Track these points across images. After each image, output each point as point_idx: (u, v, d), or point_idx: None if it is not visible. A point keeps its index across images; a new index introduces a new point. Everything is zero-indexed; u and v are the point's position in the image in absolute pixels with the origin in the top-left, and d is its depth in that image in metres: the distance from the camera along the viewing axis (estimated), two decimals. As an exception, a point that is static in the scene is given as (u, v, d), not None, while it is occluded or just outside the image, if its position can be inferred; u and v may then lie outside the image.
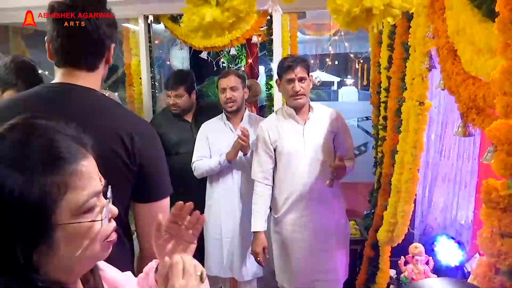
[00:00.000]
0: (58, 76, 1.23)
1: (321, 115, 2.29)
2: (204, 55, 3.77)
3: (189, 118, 2.89)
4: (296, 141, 2.26)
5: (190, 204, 0.94)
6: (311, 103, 2.30)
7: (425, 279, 0.60)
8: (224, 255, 2.57)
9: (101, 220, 0.69)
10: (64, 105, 1.18)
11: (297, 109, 2.27)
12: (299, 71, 2.18)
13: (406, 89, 1.90)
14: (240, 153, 2.47)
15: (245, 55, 5.83)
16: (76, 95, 1.20)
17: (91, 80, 1.23)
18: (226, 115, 2.62)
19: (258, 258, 2.30)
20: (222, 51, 5.25)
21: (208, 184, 2.65)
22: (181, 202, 0.93)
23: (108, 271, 0.85)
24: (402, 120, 1.98)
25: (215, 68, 5.03)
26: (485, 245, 0.68)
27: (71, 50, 1.18)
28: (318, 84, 7.22)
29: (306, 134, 2.25)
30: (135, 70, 3.51)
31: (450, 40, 1.31)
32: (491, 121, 1.11)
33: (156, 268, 0.94)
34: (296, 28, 3.28)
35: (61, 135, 0.68)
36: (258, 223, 2.28)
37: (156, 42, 3.98)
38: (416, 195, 2.10)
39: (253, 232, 2.29)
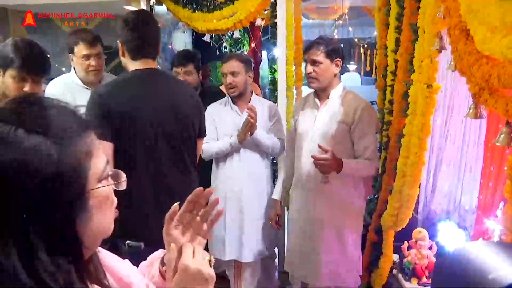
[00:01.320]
0: (137, 65, 1.78)
1: (340, 103, 2.19)
2: (207, 38, 3.73)
3: None
4: (308, 125, 2.27)
5: (210, 190, 0.92)
6: (336, 89, 2.22)
7: (466, 244, 0.56)
8: (227, 237, 2.57)
9: (113, 185, 0.72)
10: (159, 80, 1.84)
11: (317, 93, 2.27)
12: (312, 53, 2.16)
13: (414, 71, 1.87)
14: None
15: (248, 39, 5.78)
16: (160, 73, 1.93)
17: (156, 64, 1.87)
18: (231, 98, 2.59)
19: (270, 222, 2.58)
20: (225, 35, 5.20)
21: (214, 166, 2.66)
22: (200, 188, 0.91)
23: (106, 256, 0.84)
24: (409, 103, 1.95)
25: (218, 53, 4.97)
26: (509, 222, 0.66)
27: (145, 46, 1.77)
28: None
29: (317, 120, 2.22)
30: (137, 53, 3.46)
31: (462, 20, 1.28)
32: (504, 101, 1.09)
33: (162, 259, 0.93)
34: (300, 11, 3.23)
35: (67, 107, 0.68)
36: (275, 192, 2.60)
37: (159, 25, 3.92)
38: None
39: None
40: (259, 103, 2.61)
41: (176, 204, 0.89)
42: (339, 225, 2.28)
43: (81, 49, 2.38)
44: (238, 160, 2.55)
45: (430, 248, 2.51)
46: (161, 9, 3.53)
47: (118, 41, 1.79)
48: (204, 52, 5.13)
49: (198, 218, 0.91)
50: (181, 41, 4.67)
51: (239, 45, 6.26)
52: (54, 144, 0.59)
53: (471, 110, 1.33)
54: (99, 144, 0.70)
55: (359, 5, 4.20)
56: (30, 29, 3.77)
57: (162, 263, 0.92)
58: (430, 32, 1.63)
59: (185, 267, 0.77)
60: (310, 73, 2.17)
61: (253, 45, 4.77)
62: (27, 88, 1.83)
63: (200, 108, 1.97)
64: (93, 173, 0.65)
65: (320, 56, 2.15)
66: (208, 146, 2.52)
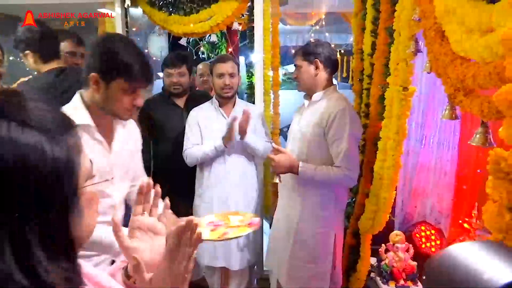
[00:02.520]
0: None
1: (321, 105, 2.16)
2: (183, 41, 3.68)
3: (181, 103, 2.82)
4: (293, 126, 2.31)
5: (149, 182, 0.91)
6: (319, 92, 2.20)
7: (451, 246, 0.55)
8: (216, 244, 2.52)
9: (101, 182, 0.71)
10: None
11: (308, 95, 2.28)
12: (294, 59, 2.22)
13: (389, 75, 1.88)
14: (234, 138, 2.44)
15: (225, 44, 5.76)
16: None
17: None
18: (218, 101, 2.55)
19: None
20: (202, 39, 5.16)
21: (198, 172, 2.60)
22: (142, 184, 0.89)
23: (83, 264, 0.80)
24: (385, 106, 1.96)
25: (195, 57, 4.93)
26: (492, 221, 0.65)
27: None
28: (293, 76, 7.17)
29: (301, 122, 2.23)
30: (111, 57, 3.37)
31: (438, 21, 1.29)
32: (479, 102, 1.09)
33: (125, 270, 0.90)
34: (277, 15, 3.22)
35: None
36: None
37: (134, 29, 3.85)
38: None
39: None
40: (244, 107, 2.59)
41: (113, 218, 0.87)
42: (311, 231, 2.22)
43: (67, 45, 2.42)
44: (223, 165, 2.50)
45: (407, 251, 2.53)
46: (136, 12, 3.46)
47: None
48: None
49: (146, 218, 0.90)
50: (157, 46, 4.60)
51: (216, 50, 6.23)
52: (48, 140, 0.56)
53: (446, 111, 1.33)
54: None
55: (336, 11, 4.23)
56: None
57: (126, 273, 0.89)
58: (405, 34, 1.65)
59: (168, 268, 0.78)
60: (295, 77, 2.23)
61: (230, 49, 4.75)
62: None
63: None
64: (83, 171, 0.63)
65: (298, 60, 2.19)
66: (192, 151, 2.47)
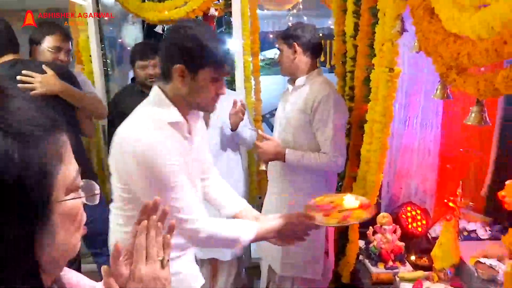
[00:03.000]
0: None
1: (305, 91, 2.11)
2: (159, 29, 3.56)
3: None
4: (279, 113, 2.28)
5: (156, 200, 0.81)
6: (301, 77, 2.15)
7: None
8: None
9: (88, 196, 0.62)
10: None
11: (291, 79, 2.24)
12: (277, 43, 2.19)
13: (374, 56, 1.85)
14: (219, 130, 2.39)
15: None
16: None
17: None
18: None
19: None
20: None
21: None
22: (148, 203, 0.80)
23: (73, 277, 0.74)
24: (370, 88, 1.94)
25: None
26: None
27: None
28: (276, 61, 7.12)
29: (286, 108, 2.19)
30: (83, 47, 3.24)
31: (426, -1, 1.26)
32: (473, 80, 1.06)
33: None
34: (256, 0, 3.15)
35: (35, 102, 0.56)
36: None
37: (106, 18, 3.70)
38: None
39: None
40: (226, 95, 2.52)
41: (116, 244, 0.77)
42: None
43: (51, 40, 2.32)
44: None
45: (394, 232, 2.54)
46: (108, 0, 3.32)
47: None
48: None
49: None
50: (131, 35, 4.44)
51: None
52: (16, 142, 0.48)
53: (438, 91, 1.31)
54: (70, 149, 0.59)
55: (313, -6, 4.18)
56: None
57: None
58: (391, 14, 1.61)
59: (140, 277, 0.72)
60: (278, 61, 2.21)
61: (207, 36, 4.64)
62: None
63: None
64: (60, 182, 0.54)
65: (280, 43, 2.19)
66: None
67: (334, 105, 1.99)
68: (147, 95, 2.65)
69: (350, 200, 1.45)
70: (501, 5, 0.88)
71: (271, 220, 1.48)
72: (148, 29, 4.22)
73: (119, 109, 2.64)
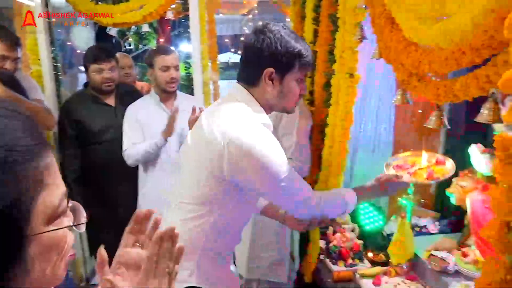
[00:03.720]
0: None
1: None
2: (113, 32, 3.46)
3: (111, 101, 2.61)
4: None
5: (150, 210, 0.78)
6: None
7: None
8: None
9: (72, 227, 0.57)
10: None
11: None
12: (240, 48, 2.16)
13: (334, 62, 1.92)
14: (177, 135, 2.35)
15: (153, 35, 5.54)
16: None
17: None
18: (159, 96, 2.42)
19: None
20: (129, 30, 4.91)
21: (141, 171, 2.46)
22: (139, 212, 0.77)
23: None
24: (331, 93, 2.01)
25: (124, 49, 4.67)
26: (501, 204, 0.68)
27: None
28: (230, 65, 7.18)
29: None
30: (32, 50, 3.07)
31: (386, 9, 1.33)
32: (433, 87, 1.14)
33: None
34: (213, 4, 3.15)
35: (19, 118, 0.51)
36: None
37: (54, 19, 3.54)
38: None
39: None
40: (186, 100, 2.50)
41: (100, 251, 0.73)
42: (269, 219, 2.25)
43: None
44: (169, 164, 2.39)
45: (352, 231, 2.64)
46: (58, 1, 3.17)
47: None
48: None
49: (135, 252, 0.76)
50: (82, 37, 4.28)
51: (144, 41, 5.98)
52: None
53: (398, 97, 1.39)
54: (58, 171, 0.53)
55: (268, 0, 4.25)
56: None
57: None
58: (351, 22, 1.69)
59: (143, 284, 0.68)
60: None
61: (162, 40, 4.58)
62: None
63: None
64: (40, 212, 0.49)
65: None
66: (132, 150, 2.33)
67: (300, 110, 2.03)
68: (102, 102, 2.58)
69: (426, 157, 1.53)
70: (460, 18, 0.95)
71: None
72: (101, 31, 4.09)
73: (72, 117, 2.52)
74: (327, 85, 2.07)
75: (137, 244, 0.76)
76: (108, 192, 2.53)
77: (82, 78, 3.45)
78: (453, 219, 2.67)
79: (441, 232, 2.65)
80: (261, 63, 1.30)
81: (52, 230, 0.51)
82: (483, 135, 2.67)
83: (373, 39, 1.56)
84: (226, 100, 1.37)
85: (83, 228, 0.59)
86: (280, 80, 1.32)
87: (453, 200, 2.26)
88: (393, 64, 1.33)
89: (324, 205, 1.36)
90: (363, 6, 1.57)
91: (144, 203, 2.44)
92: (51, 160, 0.52)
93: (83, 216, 0.59)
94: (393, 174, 1.54)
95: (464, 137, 2.76)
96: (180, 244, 0.71)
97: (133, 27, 4.62)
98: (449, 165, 1.56)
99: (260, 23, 1.40)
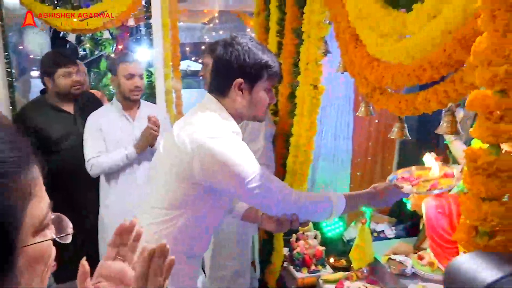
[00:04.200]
0: None
1: None
2: (72, 38, 3.35)
3: (69, 109, 2.52)
4: None
5: (133, 221, 0.79)
6: None
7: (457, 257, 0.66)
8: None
9: (56, 238, 0.56)
10: None
11: None
12: (202, 57, 2.20)
13: (299, 73, 1.98)
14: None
15: (110, 41, 5.41)
16: None
17: None
18: (121, 104, 2.37)
19: None
20: (84, 35, 4.77)
21: (103, 182, 2.37)
22: (122, 225, 0.77)
23: None
24: (295, 104, 2.06)
25: (80, 55, 4.53)
26: (470, 210, 0.74)
27: None
28: (189, 74, 7.15)
29: None
30: (-18, 54, 2.92)
31: (351, 25, 1.40)
32: (396, 100, 1.22)
33: None
34: (176, 12, 3.14)
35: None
36: None
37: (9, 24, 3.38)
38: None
39: None
40: (149, 109, 2.47)
41: (85, 262, 0.72)
42: (230, 228, 2.23)
43: None
44: (133, 175, 2.33)
45: (315, 238, 2.71)
46: (12, 3, 3.03)
47: None
48: (64, 54, 4.63)
49: (116, 265, 0.76)
50: (36, 42, 4.10)
51: (100, 47, 5.82)
52: None
53: (362, 109, 1.46)
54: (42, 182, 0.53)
55: (229, 10, 4.30)
56: None
57: None
58: (315, 36, 1.75)
59: None
60: (202, 75, 2.18)
61: (120, 47, 4.49)
62: None
63: None
64: (28, 224, 0.49)
65: (206, 58, 2.15)
66: (98, 160, 2.25)
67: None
68: (61, 109, 2.49)
69: (435, 171, 1.52)
70: (420, 38, 1.03)
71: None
72: (56, 36, 3.95)
73: (31, 126, 2.40)
74: (291, 96, 2.13)
75: (119, 257, 0.75)
76: (69, 201, 2.44)
77: (36, 84, 3.31)
78: (409, 224, 2.82)
79: (397, 236, 2.78)
80: (230, 74, 1.35)
81: (40, 242, 0.51)
82: (435, 142, 2.85)
83: (333, 51, 1.63)
84: (197, 110, 1.40)
85: (69, 239, 0.58)
86: (249, 90, 1.36)
87: (408, 206, 2.39)
88: (356, 78, 1.40)
89: (304, 204, 1.38)
90: (327, 22, 1.64)
91: (107, 215, 2.37)
92: (37, 172, 0.53)
93: (69, 227, 0.58)
94: (393, 183, 1.53)
95: (416, 144, 2.93)
96: (171, 257, 0.71)
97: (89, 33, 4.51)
98: (456, 173, 1.56)
99: (229, 35, 1.44)
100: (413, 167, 1.63)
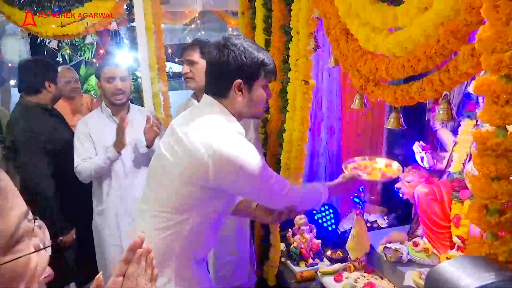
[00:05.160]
0: None
1: None
2: (54, 44, 3.30)
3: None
4: None
5: (142, 236, 0.79)
6: None
7: (441, 264, 0.70)
8: None
9: (36, 251, 0.52)
10: None
11: (196, 95, 2.28)
12: (188, 54, 2.16)
13: (289, 70, 2.00)
14: (132, 146, 2.30)
15: (89, 46, 5.34)
16: None
17: None
18: (110, 109, 2.35)
19: None
20: (62, 41, 4.70)
21: (96, 187, 2.36)
22: (135, 241, 0.77)
23: None
24: (287, 100, 2.08)
25: (61, 61, 4.47)
26: (480, 189, 0.78)
27: None
28: (171, 76, 7.11)
29: None
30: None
31: (341, 21, 1.43)
32: (391, 90, 1.25)
33: None
34: (160, 14, 3.12)
35: None
36: None
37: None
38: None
39: None
40: (140, 112, 2.46)
41: (100, 276, 0.71)
42: (228, 225, 2.28)
43: None
44: (125, 178, 2.33)
45: (311, 231, 2.74)
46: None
47: None
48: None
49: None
50: (14, 49, 4.01)
51: (79, 52, 5.75)
52: None
53: (356, 101, 1.49)
54: (15, 191, 0.49)
55: (209, 9, 4.29)
56: None
57: None
58: (304, 33, 1.77)
59: None
60: (187, 73, 2.16)
61: (102, 51, 4.44)
62: None
63: None
64: None
65: (195, 56, 2.15)
66: (84, 166, 2.24)
67: None
68: (54, 113, 2.48)
69: (380, 162, 1.77)
70: (412, 30, 1.06)
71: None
72: (35, 44, 3.87)
73: (27, 133, 2.37)
74: (282, 92, 2.15)
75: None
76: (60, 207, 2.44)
77: (15, 93, 3.25)
78: (400, 213, 2.88)
79: (390, 225, 2.84)
80: (228, 76, 1.36)
81: (9, 262, 0.45)
82: (422, 130, 2.91)
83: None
84: (200, 113, 1.39)
85: (48, 251, 0.54)
86: (249, 89, 1.38)
87: (400, 195, 2.44)
88: (350, 71, 1.43)
89: (301, 196, 1.47)
90: (317, 18, 1.66)
91: (103, 221, 2.35)
92: (5, 179, 0.49)
93: (47, 239, 0.54)
94: (356, 173, 1.68)
95: (404, 133, 2.99)
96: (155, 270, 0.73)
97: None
98: (395, 166, 1.78)
99: (221, 38, 1.44)
100: (357, 158, 1.90)
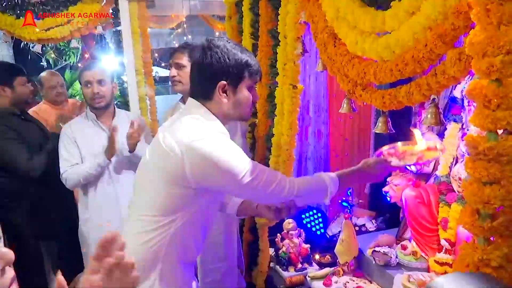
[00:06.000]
0: None
1: None
2: (38, 49, 3.24)
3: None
4: None
5: (114, 233, 0.76)
6: None
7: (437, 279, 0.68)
8: None
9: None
10: None
11: (184, 98, 2.23)
12: (176, 57, 2.13)
13: (276, 74, 2.00)
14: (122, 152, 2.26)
15: (74, 50, 5.28)
16: None
17: None
18: (94, 113, 2.31)
19: None
20: (47, 45, 4.63)
21: (81, 194, 2.31)
22: (105, 237, 0.74)
23: None
24: (274, 104, 2.08)
25: (46, 66, 4.40)
26: (472, 194, 0.77)
27: None
28: (158, 80, 7.06)
29: None
30: None
31: (329, 25, 1.43)
32: (379, 95, 1.25)
33: None
34: (146, 18, 3.09)
35: None
36: None
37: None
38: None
39: None
40: (126, 117, 2.42)
41: (60, 275, 0.71)
42: (216, 231, 2.25)
43: None
44: (111, 185, 2.28)
45: (299, 236, 2.73)
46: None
47: None
48: (27, 65, 4.48)
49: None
50: (-4, 53, 3.94)
51: (64, 57, 5.66)
52: None
53: (345, 105, 1.49)
54: None
55: (196, 14, 4.27)
56: None
57: None
58: (292, 37, 1.77)
59: None
60: (174, 76, 2.14)
61: (86, 55, 4.39)
62: None
63: None
64: None
65: (184, 59, 2.12)
66: (71, 172, 2.19)
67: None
68: (27, 118, 2.43)
69: (420, 145, 1.52)
70: (401, 33, 1.07)
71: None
72: (17, 49, 3.80)
73: (8, 138, 2.32)
74: (270, 97, 2.14)
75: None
76: (41, 218, 2.39)
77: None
78: (388, 217, 2.89)
79: (378, 229, 2.85)
80: (212, 78, 1.35)
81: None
82: (408, 134, 2.94)
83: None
84: (181, 115, 1.38)
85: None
86: (233, 91, 1.36)
87: (388, 198, 2.45)
88: (337, 75, 1.43)
89: (300, 190, 1.37)
90: (304, 22, 1.66)
91: (88, 229, 2.30)
92: None
93: (10, 273, 0.52)
94: (382, 157, 1.52)
95: (392, 136, 3.01)
96: (135, 274, 0.70)
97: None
98: (439, 146, 1.55)
99: (198, 40, 1.43)
100: (399, 143, 1.61)
